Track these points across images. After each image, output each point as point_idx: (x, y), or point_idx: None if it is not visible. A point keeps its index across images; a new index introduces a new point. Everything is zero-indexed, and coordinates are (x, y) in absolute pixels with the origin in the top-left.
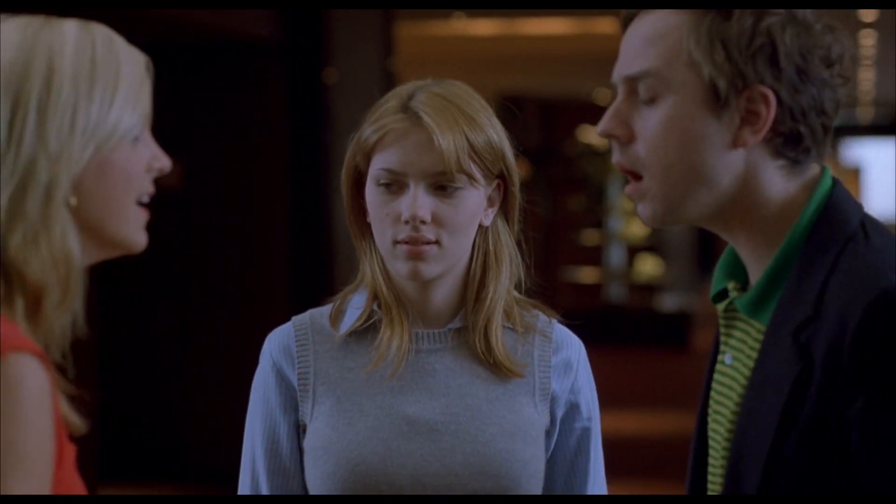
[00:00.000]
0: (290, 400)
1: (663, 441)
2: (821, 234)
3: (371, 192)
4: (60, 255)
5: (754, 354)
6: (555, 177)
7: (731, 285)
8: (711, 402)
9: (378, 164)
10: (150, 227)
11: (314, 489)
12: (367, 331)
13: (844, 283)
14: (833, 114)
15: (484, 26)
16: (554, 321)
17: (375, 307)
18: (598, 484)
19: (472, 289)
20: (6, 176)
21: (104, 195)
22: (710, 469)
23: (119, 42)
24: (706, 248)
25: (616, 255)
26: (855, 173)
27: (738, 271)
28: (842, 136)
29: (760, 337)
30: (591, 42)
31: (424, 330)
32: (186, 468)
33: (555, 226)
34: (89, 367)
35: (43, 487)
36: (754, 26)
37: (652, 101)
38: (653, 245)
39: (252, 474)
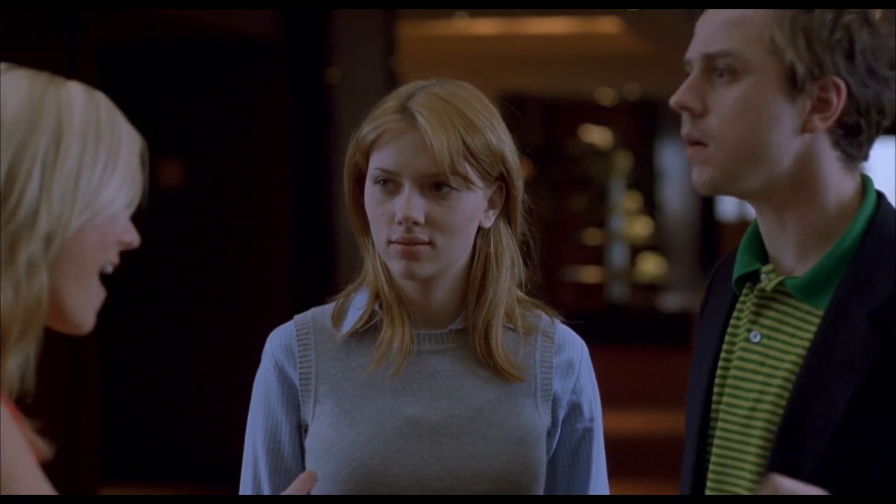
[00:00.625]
0: (292, 399)
1: (666, 441)
2: (882, 228)
3: (368, 191)
4: (33, 304)
5: (799, 333)
6: (557, 176)
7: (766, 269)
8: (729, 377)
9: (374, 164)
10: (152, 226)
11: (316, 489)
12: (368, 331)
13: None
14: (889, 114)
15: (486, 26)
16: (556, 321)
17: (377, 307)
18: (599, 485)
19: (473, 291)
20: (3, 223)
21: (76, 261)
22: (717, 443)
23: (120, 116)
24: (709, 247)
25: (618, 255)
26: None
27: (762, 250)
28: None
29: (809, 318)
30: (593, 42)
31: (426, 331)
32: (188, 467)
33: (557, 225)
34: (91, 367)
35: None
36: (835, 20)
37: (730, 79)
38: (655, 244)
39: (254, 474)
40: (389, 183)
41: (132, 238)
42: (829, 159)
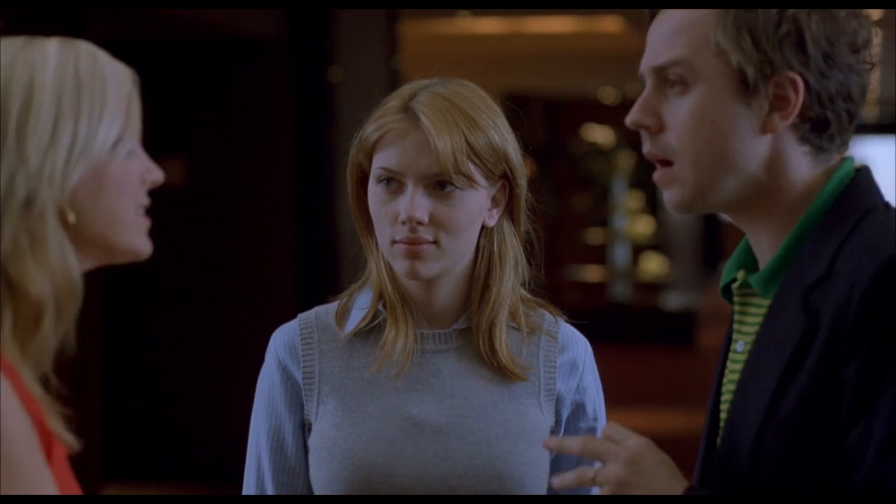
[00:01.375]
0: (296, 398)
1: (669, 440)
2: (841, 206)
3: (372, 191)
4: (60, 274)
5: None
6: (560, 175)
7: (740, 273)
8: (724, 391)
9: (378, 164)
10: (155, 225)
11: (318, 489)
12: (372, 330)
13: (860, 245)
14: (860, 100)
15: (489, 25)
16: (560, 320)
17: (381, 307)
18: None
19: (477, 289)
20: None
21: (103, 208)
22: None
23: (104, 57)
24: (711, 246)
25: (621, 254)
26: None
27: (749, 265)
28: None
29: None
30: (596, 40)
31: (429, 330)
32: (190, 467)
33: (560, 224)
34: (94, 365)
35: (41, 492)
36: (780, 13)
37: (682, 90)
38: (658, 243)
39: (257, 472)
40: (393, 182)
41: (155, 176)
42: (796, 155)
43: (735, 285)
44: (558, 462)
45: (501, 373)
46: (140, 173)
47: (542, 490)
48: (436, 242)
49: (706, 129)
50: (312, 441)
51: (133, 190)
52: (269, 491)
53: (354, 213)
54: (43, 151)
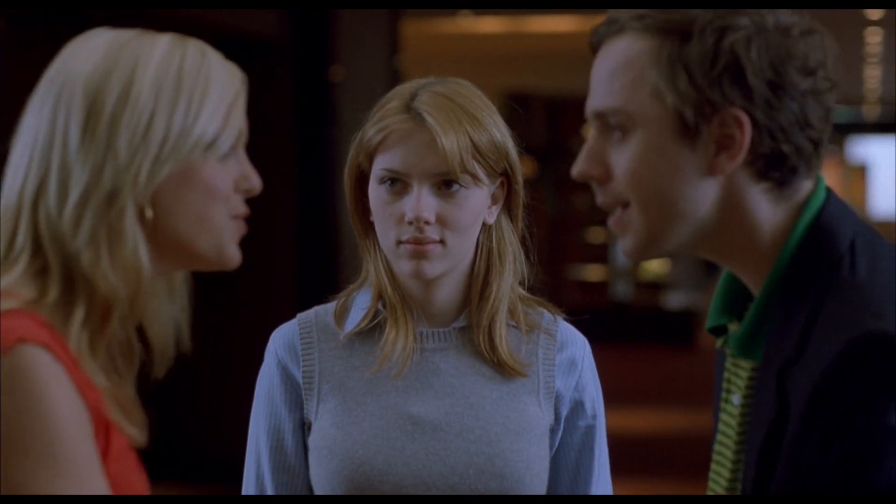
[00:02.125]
0: (295, 397)
1: (669, 439)
2: (806, 262)
3: (374, 192)
4: (131, 269)
5: (751, 394)
6: (561, 174)
7: (732, 327)
8: (716, 443)
9: (381, 165)
10: None
11: (318, 488)
12: (372, 330)
13: (827, 325)
14: (822, 125)
15: (490, 24)
16: (559, 319)
17: (380, 306)
18: (602, 482)
19: (476, 287)
20: (75, 182)
21: (188, 209)
22: None
23: (214, 56)
24: None
25: (622, 253)
26: (861, 171)
27: (736, 301)
28: (848, 134)
29: (753, 375)
30: None
31: (429, 329)
32: (192, 466)
33: (561, 223)
34: None
35: (84, 477)
36: (716, 46)
37: (622, 136)
38: None
39: (257, 471)
40: (397, 183)
41: (252, 183)
42: (755, 194)
43: (720, 343)
44: (558, 460)
45: (501, 370)
46: (235, 178)
47: (542, 488)
48: (442, 241)
49: (649, 176)
50: (312, 440)
51: (225, 195)
52: (269, 490)
53: (353, 215)
54: (134, 147)
